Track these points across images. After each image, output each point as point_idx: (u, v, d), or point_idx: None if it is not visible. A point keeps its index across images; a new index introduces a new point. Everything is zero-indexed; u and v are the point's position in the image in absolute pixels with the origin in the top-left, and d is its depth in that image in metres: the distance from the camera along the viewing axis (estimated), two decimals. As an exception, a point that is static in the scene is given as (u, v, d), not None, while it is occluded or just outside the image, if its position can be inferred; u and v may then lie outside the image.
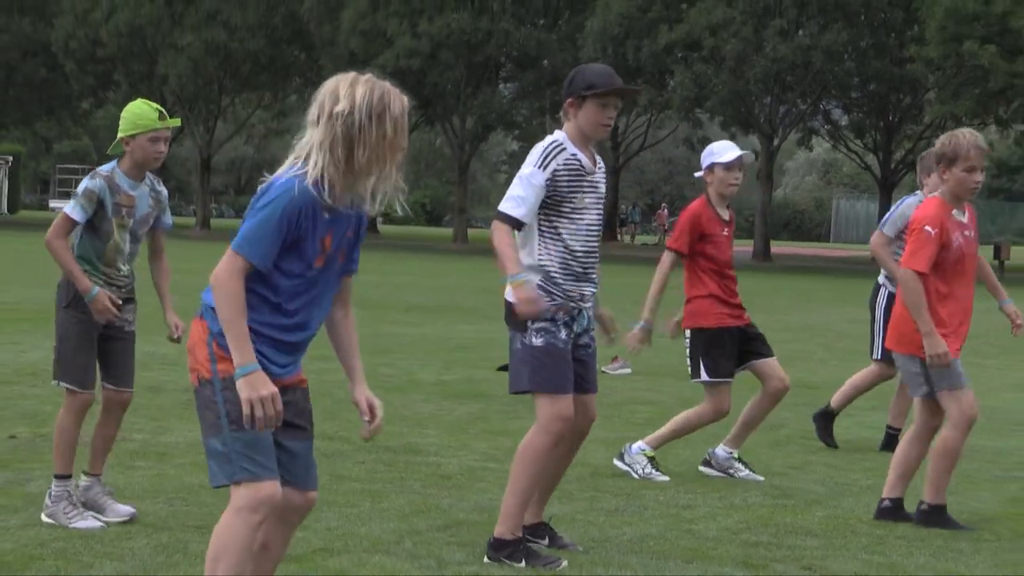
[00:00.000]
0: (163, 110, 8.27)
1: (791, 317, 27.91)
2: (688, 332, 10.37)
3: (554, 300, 7.75)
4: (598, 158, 8.05)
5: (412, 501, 8.85)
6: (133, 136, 8.11)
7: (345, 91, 5.38)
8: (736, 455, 10.58)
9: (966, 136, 9.03)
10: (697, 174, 10.56)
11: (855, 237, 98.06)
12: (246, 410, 5.25)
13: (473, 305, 25.77)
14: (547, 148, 7.83)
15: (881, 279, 12.09)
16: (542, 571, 7.44)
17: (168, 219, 8.45)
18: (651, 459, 10.38)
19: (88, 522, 7.87)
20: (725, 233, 10.49)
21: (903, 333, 9.11)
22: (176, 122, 8.50)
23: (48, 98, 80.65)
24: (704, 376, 10.34)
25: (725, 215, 10.51)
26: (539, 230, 7.81)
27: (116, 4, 71.73)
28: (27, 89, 79.17)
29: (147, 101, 8.35)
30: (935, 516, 8.95)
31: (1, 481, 8.85)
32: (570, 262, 7.81)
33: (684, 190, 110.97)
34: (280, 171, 5.46)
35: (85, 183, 8.11)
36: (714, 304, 10.28)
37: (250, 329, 5.35)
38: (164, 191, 8.47)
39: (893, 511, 9.08)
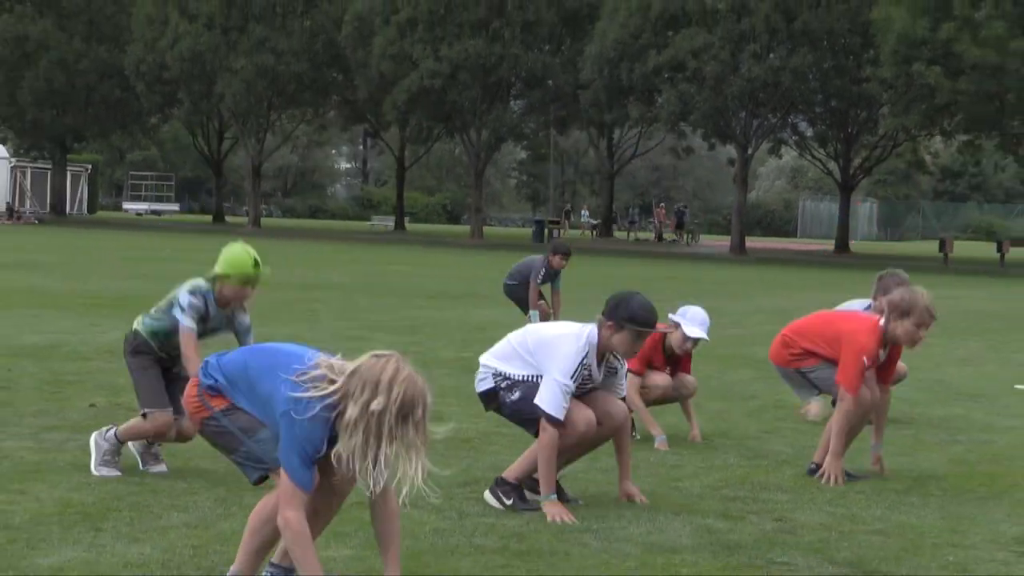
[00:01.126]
0: (258, 258, 8.02)
1: (763, 301, 27.89)
2: None
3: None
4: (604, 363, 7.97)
5: (436, 461, 8.81)
6: (227, 276, 8.04)
7: (384, 387, 5.23)
8: None
9: (924, 297, 8.89)
10: (671, 315, 10.38)
11: (819, 233, 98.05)
12: None
13: (488, 292, 25.77)
14: (578, 363, 7.70)
15: None
16: (520, 510, 7.56)
17: (251, 341, 8.22)
18: None
19: (110, 471, 8.12)
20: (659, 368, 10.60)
21: (788, 356, 9.23)
22: (266, 274, 8.14)
23: (122, 115, 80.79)
24: None
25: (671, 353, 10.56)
26: (526, 376, 7.85)
27: (180, 33, 71.92)
28: (104, 107, 79.32)
29: (247, 248, 8.11)
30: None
31: (84, 443, 8.86)
32: None
33: (670, 192, 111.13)
34: (312, 385, 5.34)
35: (190, 299, 8.07)
36: None
37: None
38: (245, 320, 8.33)
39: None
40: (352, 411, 5.22)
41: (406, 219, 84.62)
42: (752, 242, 71.95)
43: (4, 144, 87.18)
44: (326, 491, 5.65)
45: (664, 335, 10.37)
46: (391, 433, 5.22)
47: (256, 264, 7.98)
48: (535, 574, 6.25)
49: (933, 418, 12.10)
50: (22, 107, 76.91)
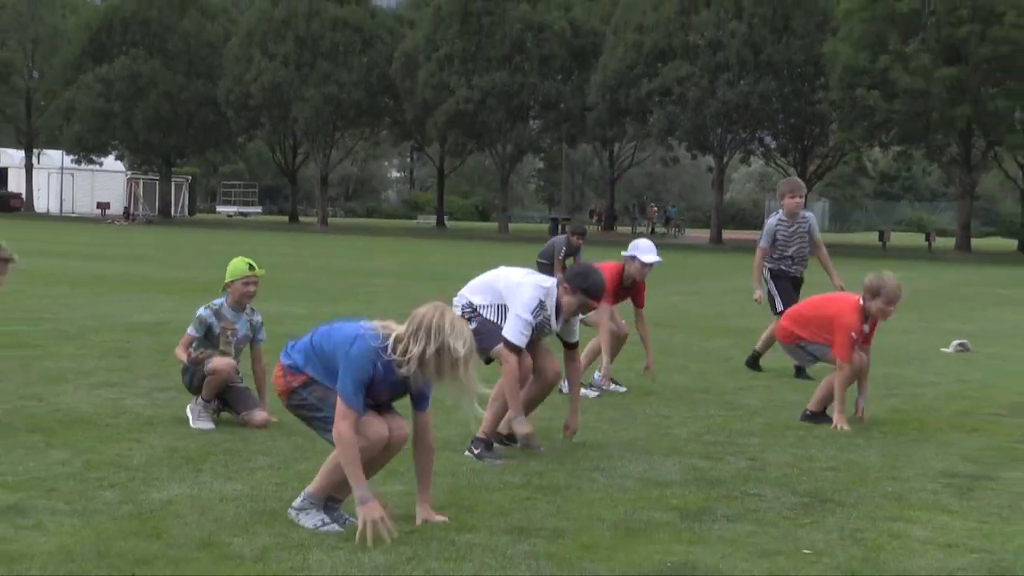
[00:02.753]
0: (253, 263, 8.35)
1: (737, 282, 27.81)
2: None
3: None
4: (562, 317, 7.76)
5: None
6: (232, 281, 8.34)
7: (434, 334, 5.33)
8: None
9: (892, 281, 8.99)
10: (623, 254, 10.33)
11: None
12: (367, 531, 5.27)
13: (513, 277, 25.65)
14: (536, 302, 7.56)
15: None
16: (485, 463, 7.30)
17: (262, 335, 8.57)
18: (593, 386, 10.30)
19: (203, 424, 8.11)
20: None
21: (790, 339, 9.25)
22: (261, 272, 8.47)
23: (215, 135, 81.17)
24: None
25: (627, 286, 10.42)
26: (488, 303, 7.70)
27: (262, 69, 72.21)
28: (201, 129, 79.75)
29: (244, 258, 8.45)
30: (814, 417, 9.10)
31: (188, 401, 8.87)
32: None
33: (661, 195, 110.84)
34: (369, 326, 5.54)
35: (200, 311, 8.40)
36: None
37: None
38: (258, 318, 8.56)
39: (812, 417, 9.13)
40: (416, 346, 5.33)
41: (445, 218, 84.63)
42: (728, 234, 71.82)
43: (121, 160, 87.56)
44: (387, 448, 5.74)
45: (622, 272, 10.30)
46: (440, 370, 5.34)
47: (251, 266, 8.33)
48: (553, 504, 6.25)
49: (875, 376, 12.02)
50: (136, 131, 77.41)
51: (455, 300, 7.85)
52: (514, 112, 68.83)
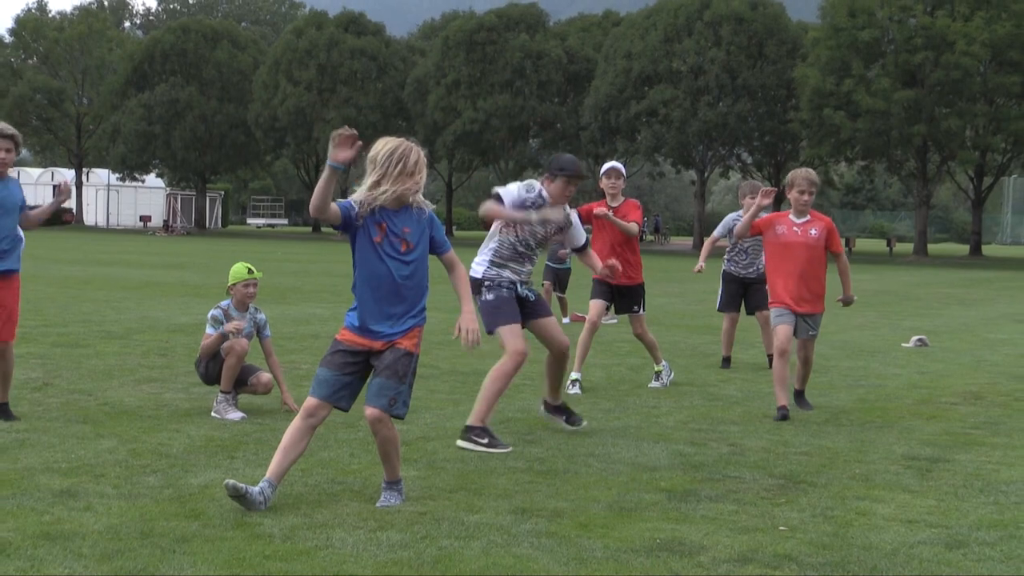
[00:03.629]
0: (251, 267, 8.42)
1: (717, 285, 27.74)
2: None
3: (499, 278, 7.55)
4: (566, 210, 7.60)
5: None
6: (234, 284, 8.40)
7: (382, 152, 5.68)
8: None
9: (799, 171, 8.99)
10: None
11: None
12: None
13: (515, 280, 25.62)
14: (525, 184, 7.48)
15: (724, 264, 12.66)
16: (494, 450, 7.06)
17: (267, 332, 8.59)
18: (573, 381, 10.01)
19: (234, 415, 8.11)
20: (611, 214, 10.04)
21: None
22: (259, 275, 8.54)
23: (245, 154, 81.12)
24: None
25: (614, 205, 10.06)
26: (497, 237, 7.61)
27: (287, 94, 72.20)
28: (233, 149, 79.70)
29: (244, 263, 8.48)
30: (798, 398, 9.14)
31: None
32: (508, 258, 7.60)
33: (649, 206, 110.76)
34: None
35: (212, 312, 8.42)
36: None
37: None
38: (262, 316, 8.60)
39: (797, 396, 9.16)
40: (374, 175, 5.71)
41: (454, 228, 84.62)
42: (707, 241, 71.89)
43: (161, 177, 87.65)
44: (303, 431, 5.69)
45: (605, 197, 10.06)
46: (389, 173, 5.67)
47: (249, 270, 8.40)
48: (553, 487, 6.24)
49: (842, 368, 12.06)
50: (174, 150, 77.44)
51: (478, 259, 7.68)
52: (515, 132, 68.86)
